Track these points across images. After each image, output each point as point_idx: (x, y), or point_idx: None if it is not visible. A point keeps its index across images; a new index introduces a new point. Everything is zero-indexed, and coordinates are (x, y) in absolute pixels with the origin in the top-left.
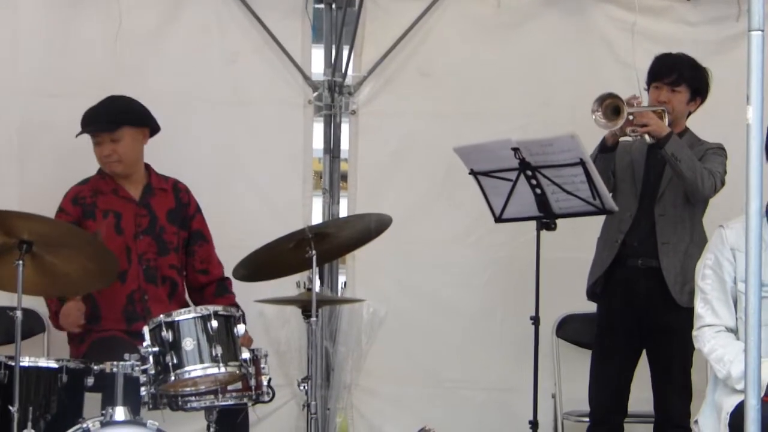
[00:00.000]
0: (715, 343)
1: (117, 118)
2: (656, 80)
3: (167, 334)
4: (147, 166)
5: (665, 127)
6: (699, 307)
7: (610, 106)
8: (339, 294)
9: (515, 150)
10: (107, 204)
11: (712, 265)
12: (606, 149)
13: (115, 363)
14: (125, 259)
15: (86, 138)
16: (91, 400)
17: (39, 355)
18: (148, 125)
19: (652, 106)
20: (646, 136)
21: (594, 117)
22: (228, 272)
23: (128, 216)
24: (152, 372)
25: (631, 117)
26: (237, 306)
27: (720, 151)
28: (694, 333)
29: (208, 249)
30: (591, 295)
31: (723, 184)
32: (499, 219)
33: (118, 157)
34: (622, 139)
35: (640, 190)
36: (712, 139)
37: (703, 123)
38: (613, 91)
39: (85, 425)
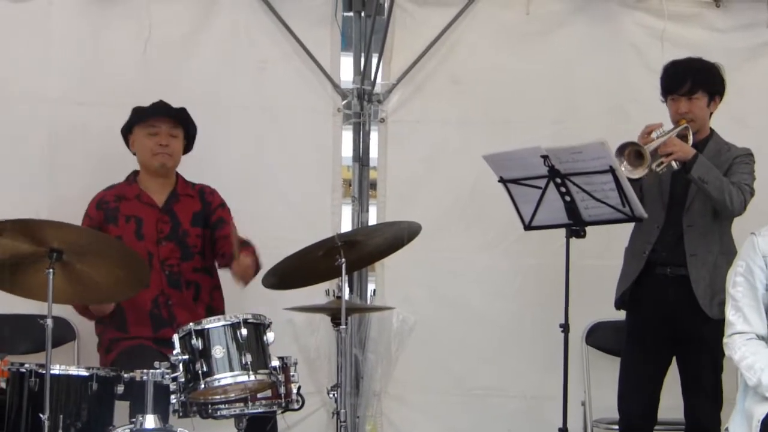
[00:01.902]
0: (746, 351)
1: (181, 116)
2: (671, 93)
3: (197, 342)
4: (176, 174)
5: (689, 149)
6: (730, 315)
7: (632, 152)
8: (368, 302)
9: (545, 157)
10: (130, 209)
11: (743, 272)
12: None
13: (145, 371)
14: (147, 264)
15: (117, 145)
16: (121, 408)
17: (69, 363)
18: (189, 143)
19: (674, 121)
20: (673, 163)
21: (621, 168)
22: (258, 280)
23: (150, 222)
24: (182, 380)
25: (654, 149)
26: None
27: (748, 158)
28: (725, 340)
29: (228, 229)
30: (620, 305)
31: (753, 195)
32: (528, 227)
33: (171, 151)
34: None
35: (667, 201)
36: (742, 146)
37: (733, 131)
38: (629, 139)
39: None
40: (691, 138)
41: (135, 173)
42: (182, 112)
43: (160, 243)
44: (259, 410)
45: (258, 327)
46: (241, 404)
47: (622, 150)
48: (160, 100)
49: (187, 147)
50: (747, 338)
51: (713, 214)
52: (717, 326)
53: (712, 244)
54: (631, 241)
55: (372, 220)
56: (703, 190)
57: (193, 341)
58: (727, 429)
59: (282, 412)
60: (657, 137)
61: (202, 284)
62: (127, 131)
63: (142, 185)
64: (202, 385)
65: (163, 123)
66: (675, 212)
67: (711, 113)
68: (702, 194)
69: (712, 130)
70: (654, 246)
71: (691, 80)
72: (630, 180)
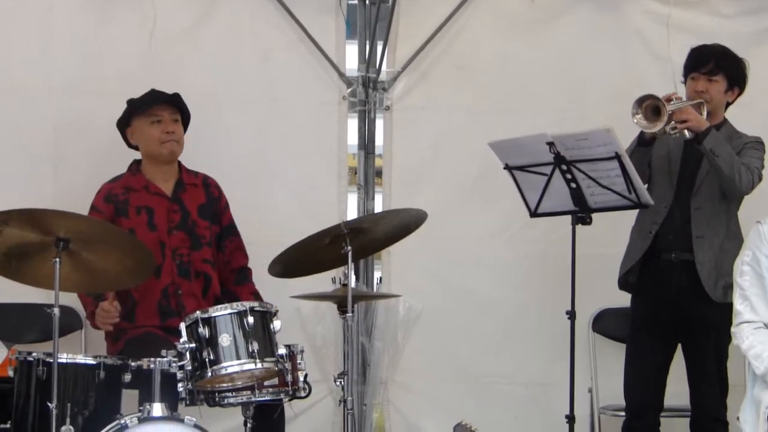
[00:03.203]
0: (754, 340)
1: (178, 102)
2: (693, 71)
3: (204, 330)
4: (178, 162)
5: (704, 121)
6: (737, 304)
7: (650, 106)
8: (374, 289)
9: (550, 144)
10: (139, 200)
11: (749, 261)
12: (644, 143)
13: (152, 359)
14: (159, 254)
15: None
16: (129, 397)
17: (77, 352)
18: (185, 128)
19: (690, 100)
20: (686, 132)
21: (635, 120)
22: (264, 268)
23: (161, 212)
24: (189, 368)
25: (670, 112)
26: (257, 294)
27: (758, 145)
28: (733, 329)
29: (237, 242)
30: (623, 284)
31: (760, 179)
32: (534, 214)
33: (177, 137)
34: None
35: (676, 182)
36: (749, 132)
37: (739, 116)
38: (650, 91)
39: (122, 421)
40: (705, 115)
41: (137, 163)
42: (178, 97)
43: (171, 232)
44: (266, 398)
45: (265, 315)
46: (248, 392)
47: (640, 102)
48: (152, 88)
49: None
50: (755, 327)
51: (721, 197)
52: (721, 310)
53: (719, 227)
54: (638, 219)
55: (378, 207)
56: (714, 164)
57: (200, 329)
58: (738, 418)
59: (289, 400)
60: (673, 104)
61: (212, 276)
62: (125, 124)
63: (147, 175)
64: (209, 373)
65: (164, 110)
66: (683, 194)
67: (727, 103)
68: (711, 177)
69: (725, 119)
70: (661, 227)
71: (715, 61)
72: (641, 148)
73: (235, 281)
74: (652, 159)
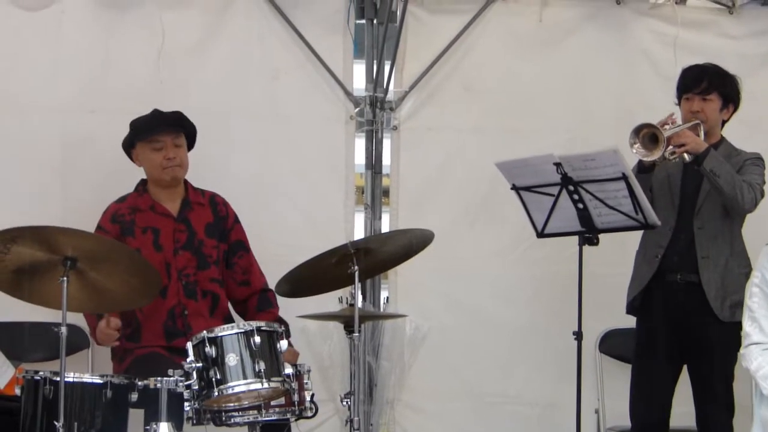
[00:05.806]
0: (762, 361)
1: (181, 123)
2: (686, 92)
3: (211, 350)
4: (184, 181)
5: (702, 143)
6: (746, 325)
7: (647, 135)
8: (381, 309)
9: (557, 165)
10: (146, 221)
11: (759, 282)
12: (644, 169)
13: (159, 378)
14: (165, 274)
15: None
16: (135, 416)
17: (84, 371)
18: (191, 142)
19: (686, 122)
20: (685, 155)
21: (633, 150)
22: (270, 287)
23: (167, 232)
24: (196, 387)
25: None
26: (281, 320)
27: (758, 161)
28: (742, 351)
29: (248, 259)
30: (630, 309)
31: (763, 195)
32: (541, 234)
33: (180, 162)
34: None
35: (678, 204)
36: (754, 151)
37: (745, 136)
38: (656, 112)
39: None
40: (702, 136)
41: (143, 182)
42: (179, 118)
43: (177, 252)
44: (273, 418)
45: (272, 335)
46: (255, 412)
47: (637, 131)
48: (155, 109)
49: (189, 146)
50: (763, 348)
51: (723, 216)
52: (727, 330)
53: (724, 246)
54: (642, 244)
55: (385, 227)
56: (715, 184)
57: (207, 349)
58: None
59: (295, 420)
60: (670, 129)
61: (220, 295)
62: (129, 146)
63: (153, 196)
64: (216, 393)
65: (166, 135)
66: (686, 215)
67: (724, 121)
68: (712, 196)
69: (722, 137)
70: (666, 250)
71: (707, 81)
72: (642, 175)
73: (257, 307)
74: (652, 183)
